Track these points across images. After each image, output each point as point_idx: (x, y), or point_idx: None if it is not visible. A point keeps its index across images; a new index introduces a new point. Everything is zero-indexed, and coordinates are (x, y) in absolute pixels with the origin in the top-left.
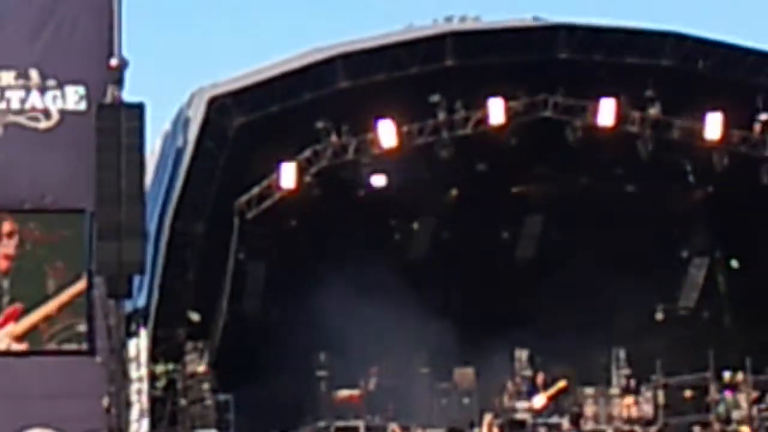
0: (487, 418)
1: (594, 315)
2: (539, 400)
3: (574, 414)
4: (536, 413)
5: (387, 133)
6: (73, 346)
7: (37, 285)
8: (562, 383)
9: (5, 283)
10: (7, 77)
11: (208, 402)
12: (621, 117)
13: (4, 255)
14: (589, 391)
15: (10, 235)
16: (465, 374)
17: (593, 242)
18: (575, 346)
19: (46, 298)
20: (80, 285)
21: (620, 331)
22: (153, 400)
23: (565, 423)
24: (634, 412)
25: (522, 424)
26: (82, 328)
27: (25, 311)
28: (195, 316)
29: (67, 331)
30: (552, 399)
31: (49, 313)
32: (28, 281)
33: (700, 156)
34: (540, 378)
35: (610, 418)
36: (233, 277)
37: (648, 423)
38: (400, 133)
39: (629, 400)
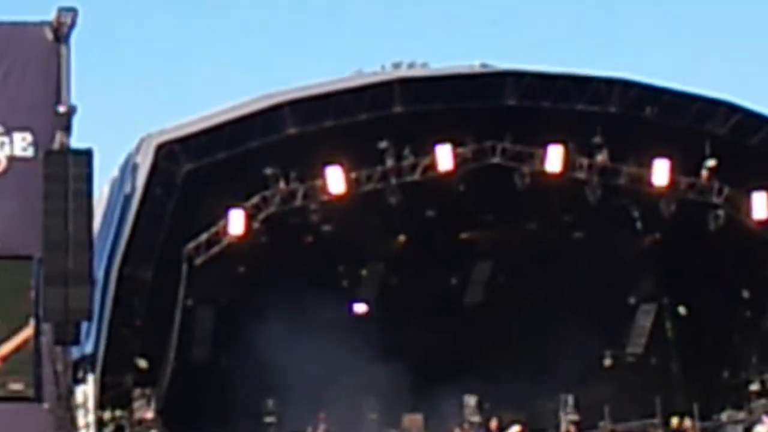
0: None
1: (542, 361)
2: None
3: None
4: None
5: (335, 180)
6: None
7: None
8: (516, 429)
9: None
10: None
11: None
12: (569, 163)
13: None
14: None
15: None
16: (414, 420)
17: (541, 288)
18: (524, 391)
19: None
20: (26, 333)
21: (568, 377)
22: None
23: None
24: None
25: None
26: (18, 386)
27: None
28: (143, 363)
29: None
30: None
31: None
32: None
33: (648, 202)
34: (494, 423)
35: None
36: (181, 324)
37: None
38: (348, 180)
39: None
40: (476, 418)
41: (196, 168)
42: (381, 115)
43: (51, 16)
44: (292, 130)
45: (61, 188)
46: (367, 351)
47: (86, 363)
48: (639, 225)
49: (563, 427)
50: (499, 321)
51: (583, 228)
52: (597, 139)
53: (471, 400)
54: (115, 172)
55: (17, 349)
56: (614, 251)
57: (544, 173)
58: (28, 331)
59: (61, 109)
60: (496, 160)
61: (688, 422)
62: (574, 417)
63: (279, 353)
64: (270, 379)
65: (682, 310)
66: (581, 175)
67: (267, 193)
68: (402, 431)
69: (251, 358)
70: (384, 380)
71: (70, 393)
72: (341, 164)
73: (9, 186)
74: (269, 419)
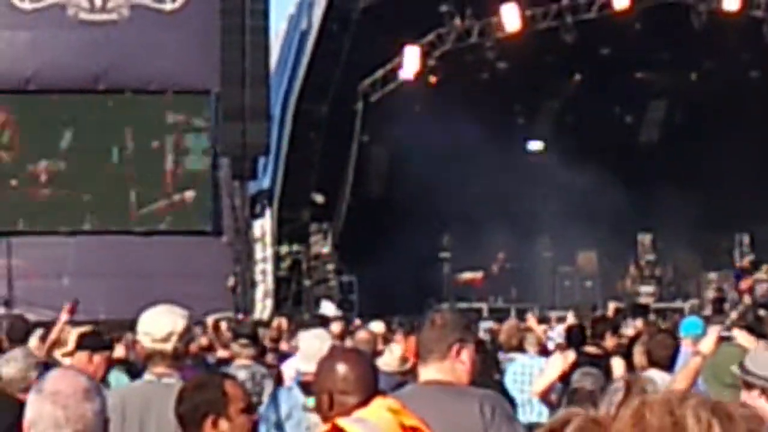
0: (612, 306)
1: (717, 200)
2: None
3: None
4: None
5: (510, 17)
6: None
7: None
8: None
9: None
10: None
11: (332, 283)
12: (747, 1)
13: None
14: (712, 276)
15: None
16: (588, 258)
17: (717, 127)
18: (698, 230)
19: None
20: None
21: (744, 216)
22: (278, 281)
23: (687, 307)
24: (759, 291)
25: (644, 308)
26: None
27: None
28: (319, 198)
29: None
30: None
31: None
32: None
33: None
34: (746, 261)
35: (734, 302)
36: (357, 160)
37: None
38: (523, 17)
39: (749, 281)
40: (651, 257)
41: (373, 5)
42: None
43: None
44: None
45: (238, 23)
46: (541, 190)
47: (264, 198)
48: None
49: (738, 265)
50: (674, 160)
51: (759, 67)
52: None
53: (646, 239)
54: (291, 9)
55: None
56: None
57: (721, 11)
58: None
59: None
60: None
61: None
62: (750, 256)
63: (454, 191)
64: (445, 216)
65: None
66: (759, 13)
67: (442, 30)
68: (576, 269)
69: (426, 195)
70: (558, 218)
71: (248, 227)
72: (517, 1)
73: (187, 21)
74: (444, 255)
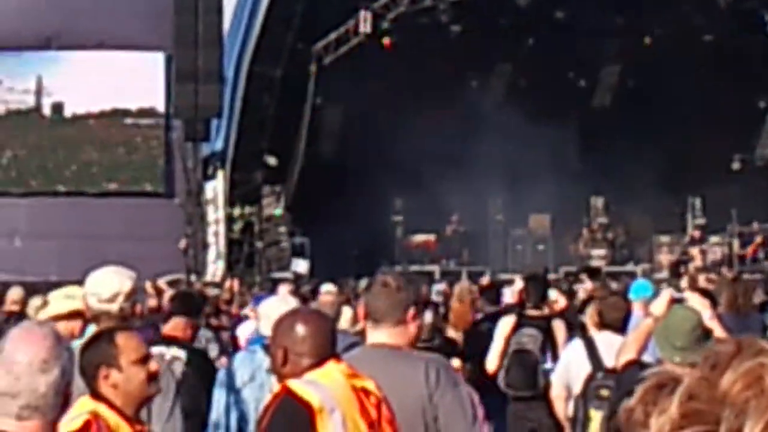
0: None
1: (670, 164)
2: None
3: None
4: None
5: None
6: None
7: None
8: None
9: None
10: None
11: (284, 245)
12: None
13: None
14: (664, 239)
15: None
16: (540, 221)
17: (670, 92)
18: (650, 194)
19: None
20: None
21: (696, 181)
22: (230, 243)
23: (639, 270)
24: (709, 259)
25: (596, 271)
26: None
27: None
28: (272, 160)
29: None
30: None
31: None
32: None
33: None
34: (697, 233)
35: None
36: (310, 122)
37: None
38: None
39: (699, 248)
40: (603, 220)
41: None
42: None
43: None
44: None
45: None
46: (494, 153)
47: (216, 160)
48: None
49: (689, 229)
50: (627, 124)
51: (712, 32)
52: None
53: (598, 202)
54: None
55: None
56: (744, 55)
57: None
58: None
59: None
60: None
61: None
62: (701, 220)
63: (406, 154)
64: (398, 179)
65: None
66: None
67: None
68: (529, 232)
69: (379, 157)
70: (511, 181)
71: (201, 189)
72: None
73: None
74: (397, 218)
